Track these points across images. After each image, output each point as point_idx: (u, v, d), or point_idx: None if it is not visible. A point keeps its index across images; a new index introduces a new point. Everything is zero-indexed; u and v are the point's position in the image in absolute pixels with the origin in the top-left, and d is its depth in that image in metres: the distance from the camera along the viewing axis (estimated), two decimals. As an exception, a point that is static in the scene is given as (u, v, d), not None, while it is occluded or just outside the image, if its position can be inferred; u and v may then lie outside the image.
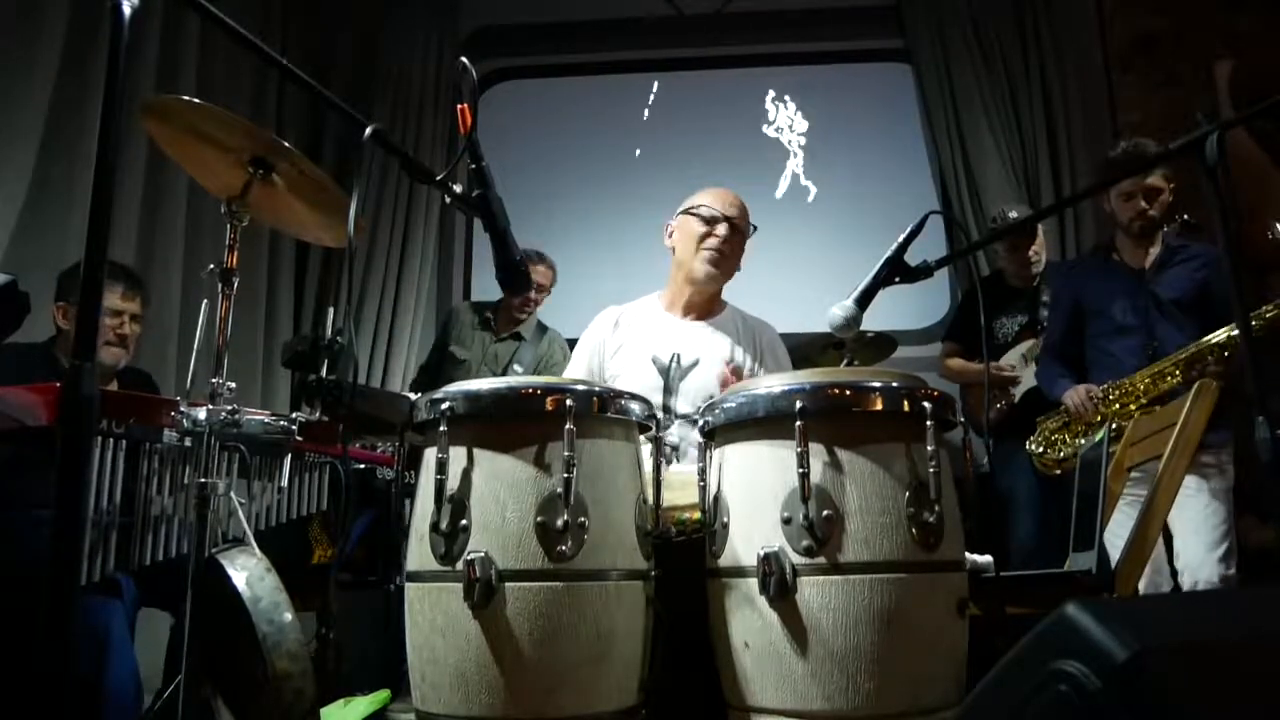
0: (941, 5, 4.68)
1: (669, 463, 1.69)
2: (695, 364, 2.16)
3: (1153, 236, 2.75)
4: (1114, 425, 2.56)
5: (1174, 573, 2.54)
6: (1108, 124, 4.33)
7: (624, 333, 2.30)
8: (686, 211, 2.28)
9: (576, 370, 2.33)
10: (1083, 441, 2.70)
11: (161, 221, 3.52)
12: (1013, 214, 3.52)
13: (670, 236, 2.33)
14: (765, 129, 4.83)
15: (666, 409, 2.12)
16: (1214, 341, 2.51)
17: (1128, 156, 2.69)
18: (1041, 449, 2.88)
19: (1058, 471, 2.82)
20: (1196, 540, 2.44)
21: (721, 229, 2.22)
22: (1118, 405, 2.65)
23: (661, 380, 2.15)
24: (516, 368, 3.64)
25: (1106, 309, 2.76)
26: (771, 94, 4.87)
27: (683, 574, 1.53)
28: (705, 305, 2.31)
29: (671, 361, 2.16)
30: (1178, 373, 2.56)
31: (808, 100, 4.85)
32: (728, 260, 2.24)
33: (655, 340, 2.22)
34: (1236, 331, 2.47)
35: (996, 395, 3.33)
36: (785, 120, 4.85)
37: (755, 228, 2.31)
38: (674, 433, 2.07)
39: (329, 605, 2.11)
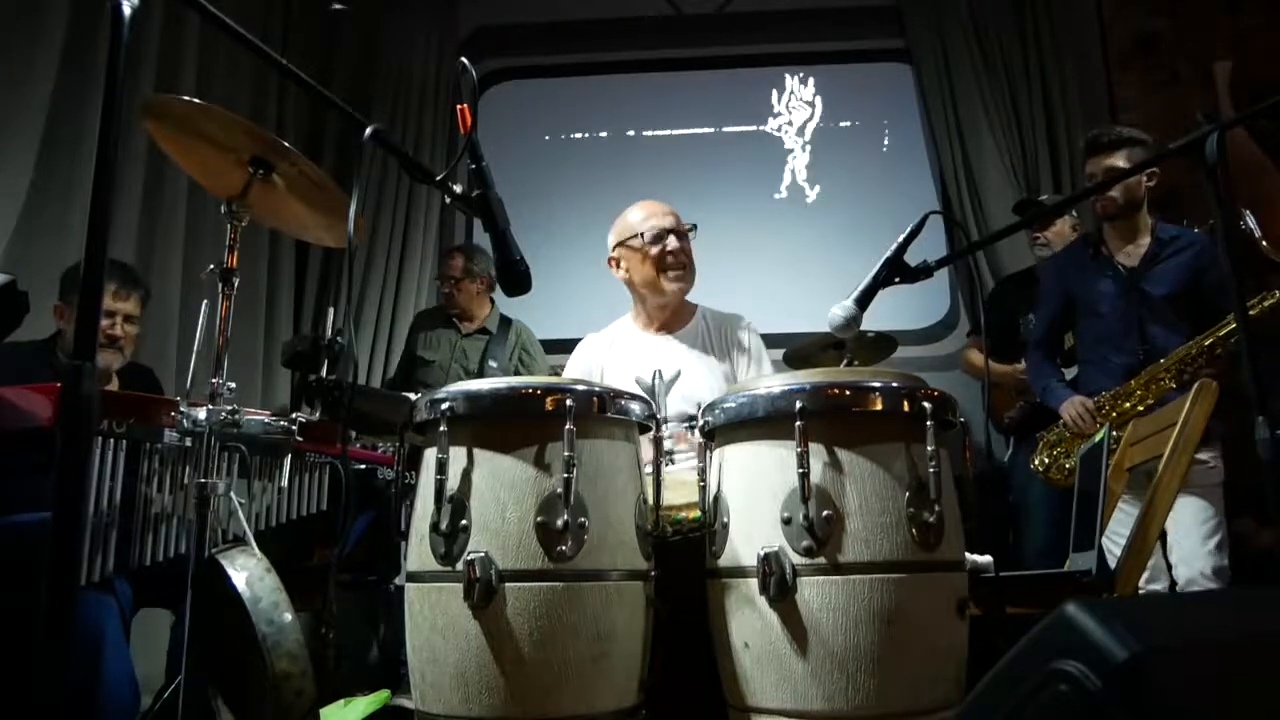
0: (941, 5, 4.68)
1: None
2: (678, 375, 2.18)
3: (1130, 222, 2.71)
4: (1114, 432, 2.55)
5: (1169, 567, 2.54)
6: (1107, 124, 4.33)
7: (606, 357, 2.35)
8: (624, 244, 2.31)
9: None
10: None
11: (161, 221, 3.52)
12: (1043, 196, 3.55)
13: (619, 269, 2.35)
14: (765, 129, 4.83)
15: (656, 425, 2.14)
16: (1205, 342, 2.50)
17: (1088, 142, 2.71)
18: (1045, 465, 2.86)
19: (1073, 482, 2.78)
20: (1189, 538, 2.45)
21: (672, 241, 2.26)
22: (1115, 415, 2.63)
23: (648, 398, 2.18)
24: (492, 363, 3.62)
25: (1096, 306, 2.74)
26: (771, 94, 4.87)
27: (683, 574, 1.53)
28: (675, 317, 2.35)
29: (654, 378, 2.18)
30: (1169, 377, 2.56)
31: (808, 100, 4.85)
32: (689, 267, 2.29)
33: (636, 360, 2.26)
34: (1224, 332, 2.48)
35: (1018, 395, 3.32)
36: (785, 120, 4.85)
37: (695, 227, 2.34)
38: (667, 436, 2.08)
39: (329, 605, 2.11)
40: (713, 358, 2.27)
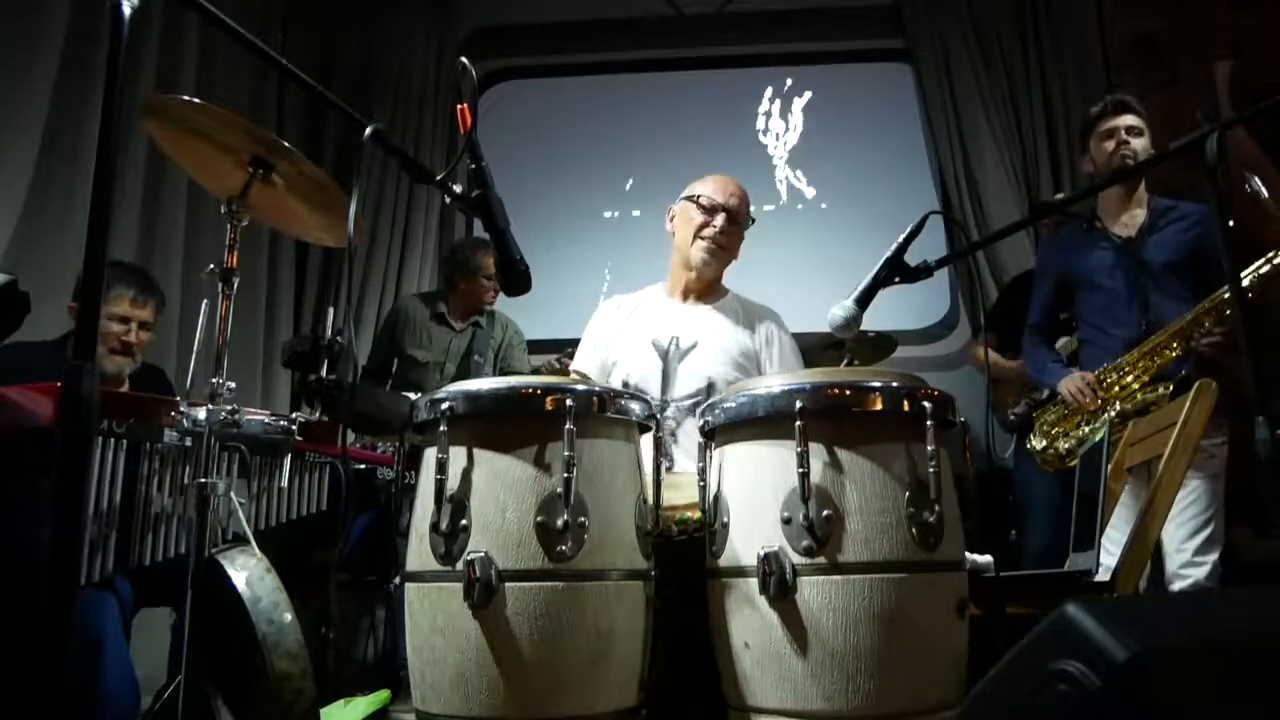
0: (941, 5, 4.68)
1: (668, 460, 1.67)
2: (694, 346, 2.16)
3: (1134, 191, 2.69)
4: (1117, 410, 2.52)
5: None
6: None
7: (626, 318, 2.31)
8: (688, 198, 2.30)
9: (583, 357, 2.34)
10: (1085, 430, 2.64)
11: (161, 221, 3.52)
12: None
13: (671, 221, 2.35)
14: (765, 129, 4.84)
15: (664, 391, 2.13)
16: (1209, 306, 2.44)
17: (1112, 103, 2.70)
18: (1043, 444, 2.78)
19: (1070, 465, 2.67)
20: (1174, 527, 2.40)
21: (719, 219, 2.24)
22: (1117, 388, 2.57)
23: (660, 363, 2.16)
24: (477, 358, 3.53)
25: (1095, 280, 2.69)
26: (771, 94, 4.87)
27: (683, 574, 1.53)
28: (706, 289, 2.31)
29: (670, 344, 2.16)
30: (1175, 344, 2.49)
31: (808, 100, 4.85)
32: (724, 250, 2.26)
33: (655, 324, 2.23)
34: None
35: (1023, 391, 3.29)
36: (785, 120, 4.85)
37: (754, 220, 2.33)
38: (670, 416, 2.08)
39: (329, 605, 2.11)
40: (734, 336, 2.22)
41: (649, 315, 2.28)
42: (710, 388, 2.10)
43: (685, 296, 2.31)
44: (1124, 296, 2.64)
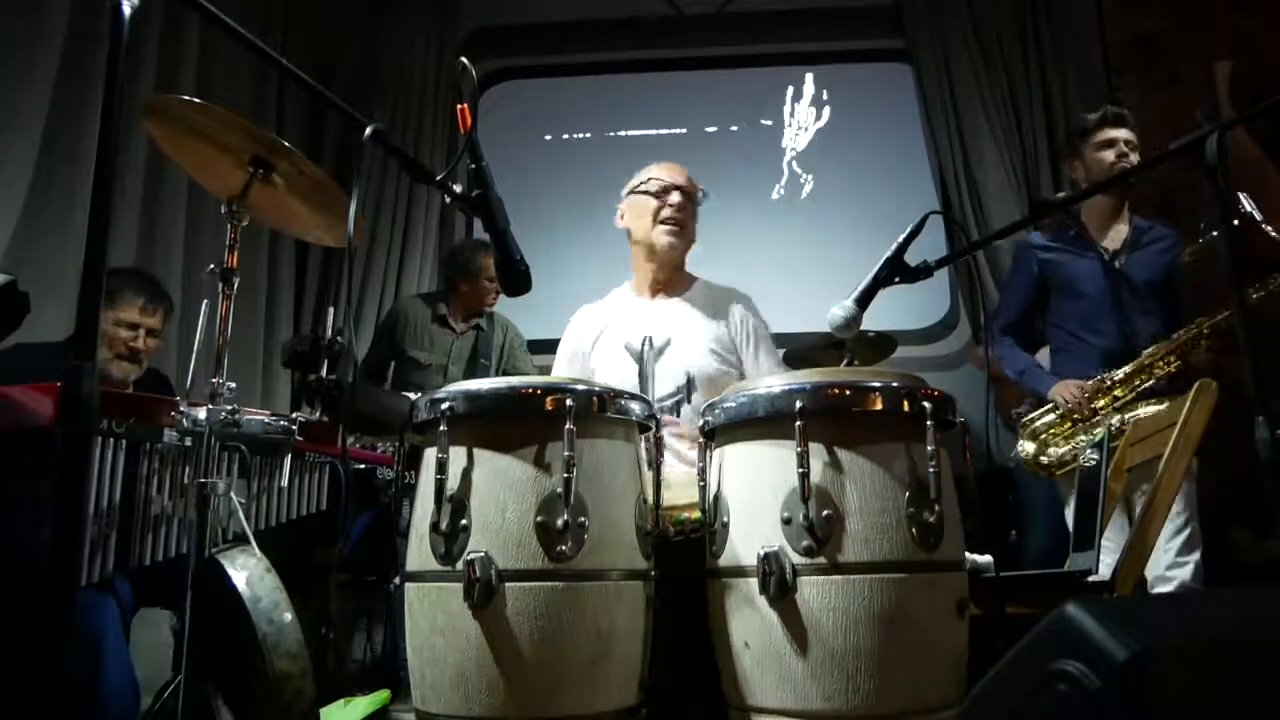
0: (941, 5, 4.68)
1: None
2: (668, 344, 2.15)
3: (1120, 207, 2.72)
4: (1118, 421, 2.53)
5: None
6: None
7: (599, 326, 2.30)
8: (634, 191, 2.30)
9: (559, 372, 2.32)
10: (1084, 439, 2.65)
11: (161, 221, 3.52)
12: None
13: (622, 219, 2.33)
14: (765, 129, 4.83)
15: (643, 394, 2.12)
16: (1209, 322, 2.48)
17: (1111, 115, 2.72)
18: (1034, 451, 2.74)
19: (1059, 474, 2.69)
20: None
21: (674, 197, 2.23)
22: (1111, 397, 2.58)
23: (636, 366, 2.14)
24: (484, 361, 3.54)
25: (1077, 287, 2.71)
26: (771, 94, 4.87)
27: (683, 574, 1.53)
28: (671, 281, 2.30)
29: (643, 345, 2.15)
30: (1172, 358, 2.53)
31: (807, 100, 4.85)
32: (683, 229, 2.25)
33: (627, 326, 2.22)
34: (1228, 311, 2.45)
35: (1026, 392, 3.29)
36: (785, 120, 4.85)
37: (706, 194, 2.32)
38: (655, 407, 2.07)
39: (329, 605, 2.11)
40: (707, 326, 2.20)
41: (619, 319, 2.27)
42: (690, 382, 2.10)
43: (654, 293, 2.29)
44: (1106, 307, 2.66)
